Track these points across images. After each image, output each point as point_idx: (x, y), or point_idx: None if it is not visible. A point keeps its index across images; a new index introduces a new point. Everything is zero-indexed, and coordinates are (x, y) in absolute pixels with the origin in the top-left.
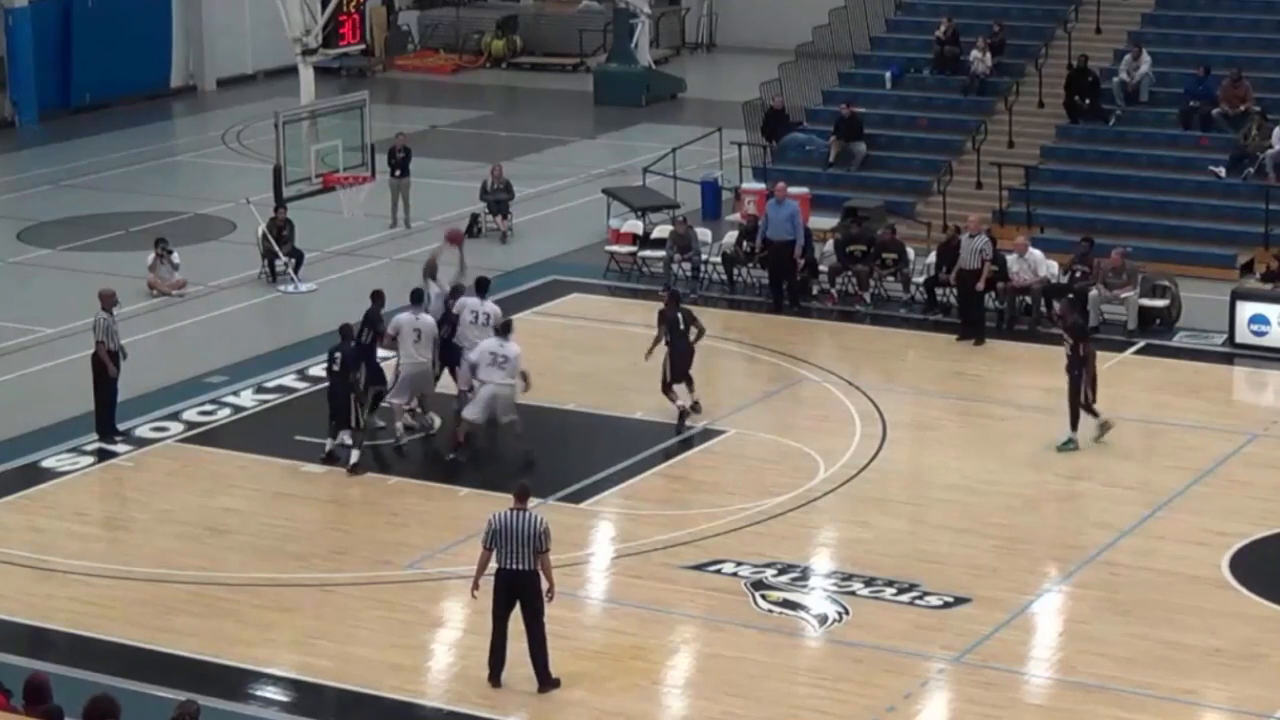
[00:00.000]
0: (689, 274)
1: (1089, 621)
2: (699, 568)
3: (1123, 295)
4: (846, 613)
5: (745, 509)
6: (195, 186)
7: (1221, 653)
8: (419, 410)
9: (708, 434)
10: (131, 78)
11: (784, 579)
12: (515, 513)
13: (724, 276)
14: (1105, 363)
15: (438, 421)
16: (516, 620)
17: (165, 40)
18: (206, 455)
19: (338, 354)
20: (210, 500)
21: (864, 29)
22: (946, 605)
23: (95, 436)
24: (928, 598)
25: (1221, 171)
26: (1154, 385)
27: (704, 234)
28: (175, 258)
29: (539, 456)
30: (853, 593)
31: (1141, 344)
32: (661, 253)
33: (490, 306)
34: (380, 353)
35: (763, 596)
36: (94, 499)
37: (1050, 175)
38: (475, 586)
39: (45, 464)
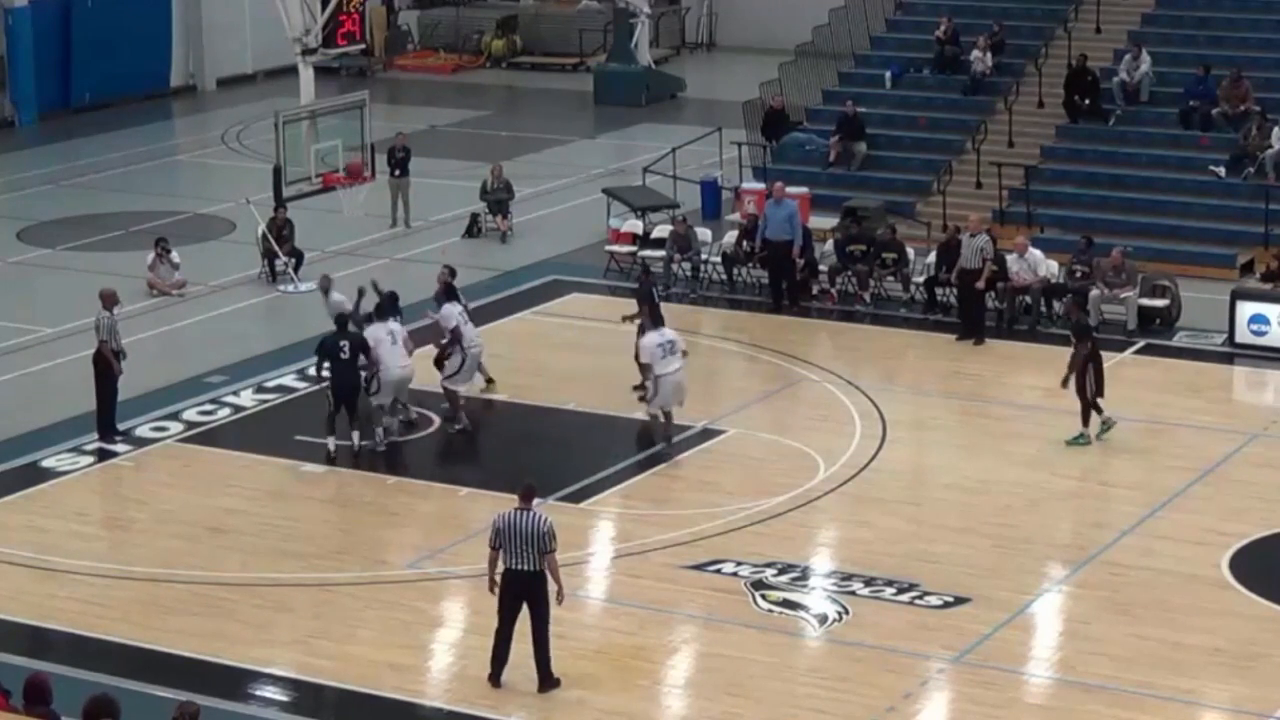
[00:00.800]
0: (689, 274)
1: (1089, 621)
2: (699, 567)
3: (1122, 295)
4: (846, 612)
5: (745, 509)
6: (195, 186)
7: (1222, 652)
8: (400, 407)
9: (708, 434)
10: (131, 77)
11: (784, 579)
12: (520, 512)
13: (724, 276)
14: (1105, 363)
15: (413, 413)
16: (522, 620)
17: (165, 40)
18: (206, 455)
19: (344, 343)
20: (210, 500)
21: (864, 28)
22: (946, 605)
23: (95, 436)
24: (928, 597)
25: (1221, 171)
26: (1154, 385)
27: (704, 234)
28: (175, 257)
29: (537, 456)
30: (853, 592)
31: (1141, 344)
32: (661, 252)
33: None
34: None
35: (763, 596)
36: (94, 499)
37: (1050, 175)
38: (491, 585)
39: (45, 464)
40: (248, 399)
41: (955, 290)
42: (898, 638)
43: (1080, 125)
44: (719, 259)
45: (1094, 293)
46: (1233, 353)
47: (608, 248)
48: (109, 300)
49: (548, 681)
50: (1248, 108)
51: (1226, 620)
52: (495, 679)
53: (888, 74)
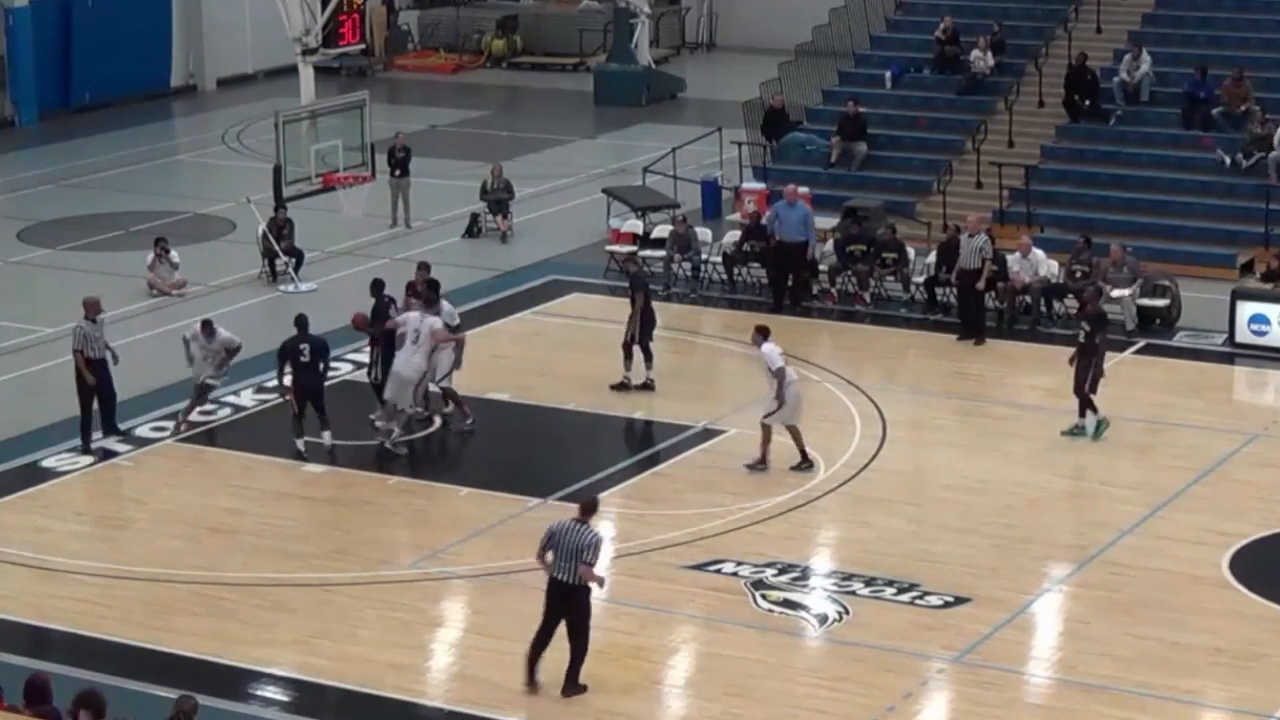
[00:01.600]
0: (689, 274)
1: (1089, 621)
2: (699, 567)
3: (1121, 293)
4: (847, 612)
5: (745, 509)
6: (195, 186)
7: (1222, 652)
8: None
9: (708, 434)
10: (131, 77)
11: (784, 579)
12: (576, 524)
13: (724, 276)
14: (1105, 362)
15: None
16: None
17: (165, 40)
18: (207, 455)
19: (304, 345)
20: (210, 500)
21: (864, 28)
22: (946, 605)
23: (94, 437)
24: (928, 597)
25: (1227, 159)
26: (1154, 385)
27: (704, 234)
28: (175, 257)
29: (537, 456)
30: (853, 592)
31: (1142, 344)
32: (662, 252)
33: (428, 320)
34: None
35: (763, 596)
36: (94, 499)
37: (1050, 175)
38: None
39: (45, 464)
40: (247, 399)
41: (955, 290)
42: (898, 638)
43: (1080, 125)
44: (719, 259)
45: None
46: (1233, 352)
47: (608, 248)
48: (91, 309)
49: (573, 688)
50: (1248, 107)
51: (1227, 620)
52: (531, 682)
53: (888, 74)
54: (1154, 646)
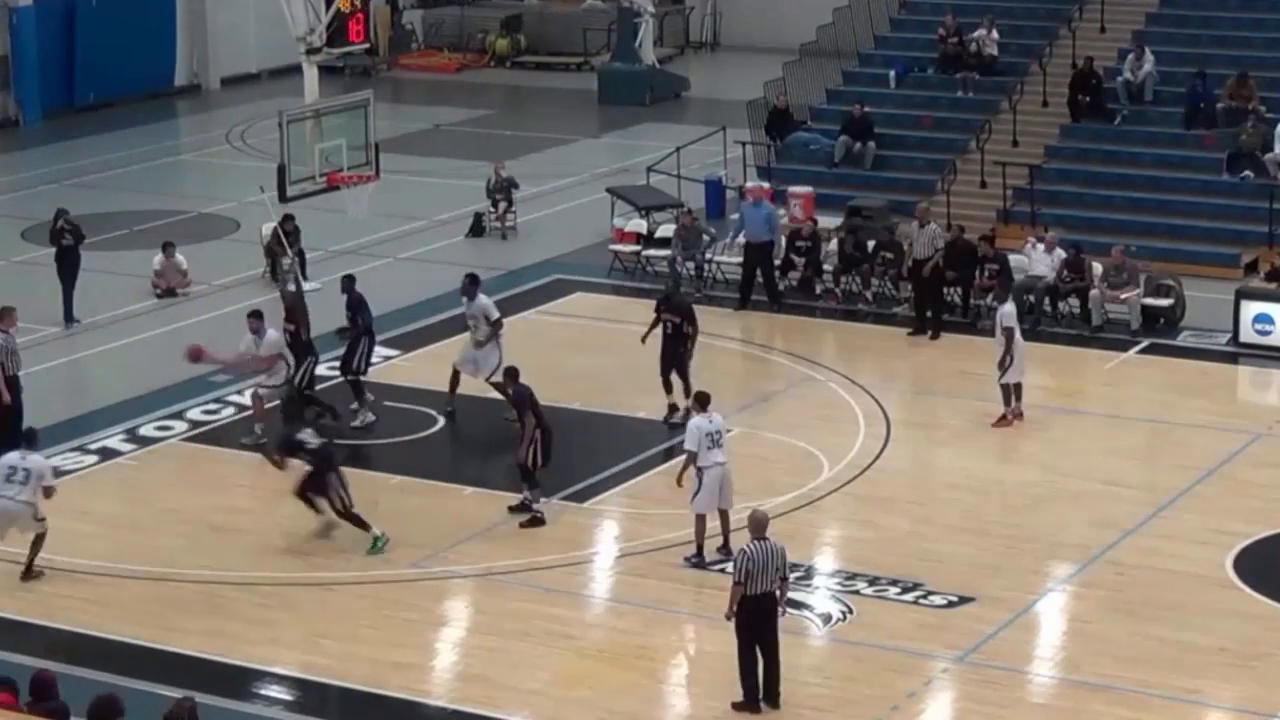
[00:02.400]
0: (692, 273)
1: (1093, 621)
2: (703, 567)
3: (1125, 295)
4: (850, 612)
5: (749, 508)
6: (199, 186)
7: (1226, 652)
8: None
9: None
10: (135, 77)
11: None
12: (760, 543)
13: (726, 277)
14: (1108, 362)
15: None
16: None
17: (169, 39)
18: (210, 454)
19: None
20: (214, 499)
21: (868, 27)
22: (950, 604)
23: (98, 435)
24: (932, 597)
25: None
26: (1158, 385)
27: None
28: (180, 257)
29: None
30: (857, 592)
31: (1145, 343)
32: (666, 251)
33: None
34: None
35: None
36: (97, 498)
37: (1054, 174)
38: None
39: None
40: (250, 398)
41: (912, 283)
42: (902, 637)
43: (1084, 125)
44: (724, 258)
45: (1094, 293)
46: (1237, 352)
47: (611, 247)
48: (7, 320)
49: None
50: (1254, 106)
51: (1231, 620)
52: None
53: (892, 73)
54: (1158, 646)
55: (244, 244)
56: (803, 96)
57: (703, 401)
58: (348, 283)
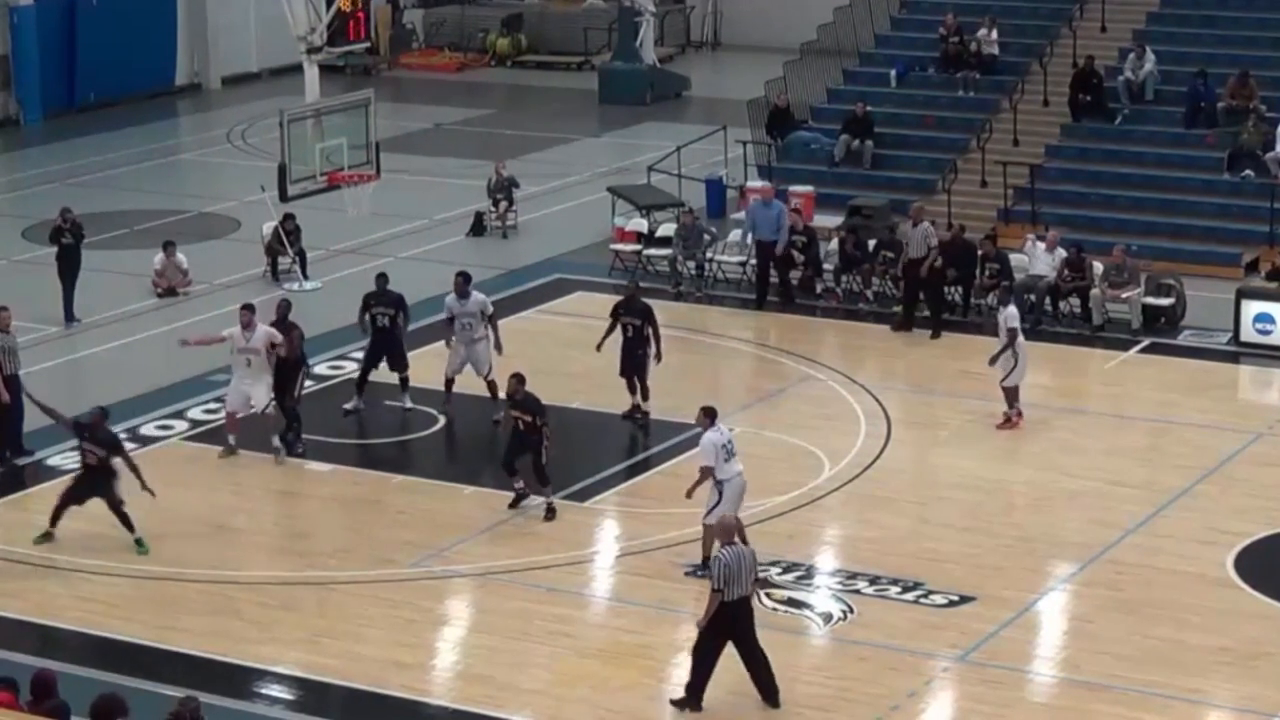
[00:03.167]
0: (693, 272)
1: (1094, 620)
2: (704, 566)
3: (1125, 294)
4: (851, 611)
5: (750, 507)
6: (200, 185)
7: (1227, 651)
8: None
9: None
10: (136, 76)
11: (789, 577)
12: (734, 548)
13: (726, 276)
14: (1109, 361)
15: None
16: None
17: (170, 38)
18: (212, 453)
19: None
20: (215, 498)
21: (869, 26)
22: (951, 604)
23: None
24: (932, 596)
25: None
26: (1159, 384)
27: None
28: (180, 256)
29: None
30: (857, 591)
31: (1146, 342)
32: (667, 251)
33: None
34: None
35: (767, 595)
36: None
37: (1055, 174)
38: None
39: (51, 462)
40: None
41: (903, 281)
42: (903, 636)
43: (1085, 124)
44: (724, 257)
45: (1095, 292)
46: (1238, 351)
47: (612, 246)
48: (2, 320)
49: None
50: (1255, 105)
51: (1231, 619)
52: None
53: (893, 72)
54: (1158, 645)
55: (245, 243)
56: (803, 96)
57: (711, 415)
58: (383, 282)
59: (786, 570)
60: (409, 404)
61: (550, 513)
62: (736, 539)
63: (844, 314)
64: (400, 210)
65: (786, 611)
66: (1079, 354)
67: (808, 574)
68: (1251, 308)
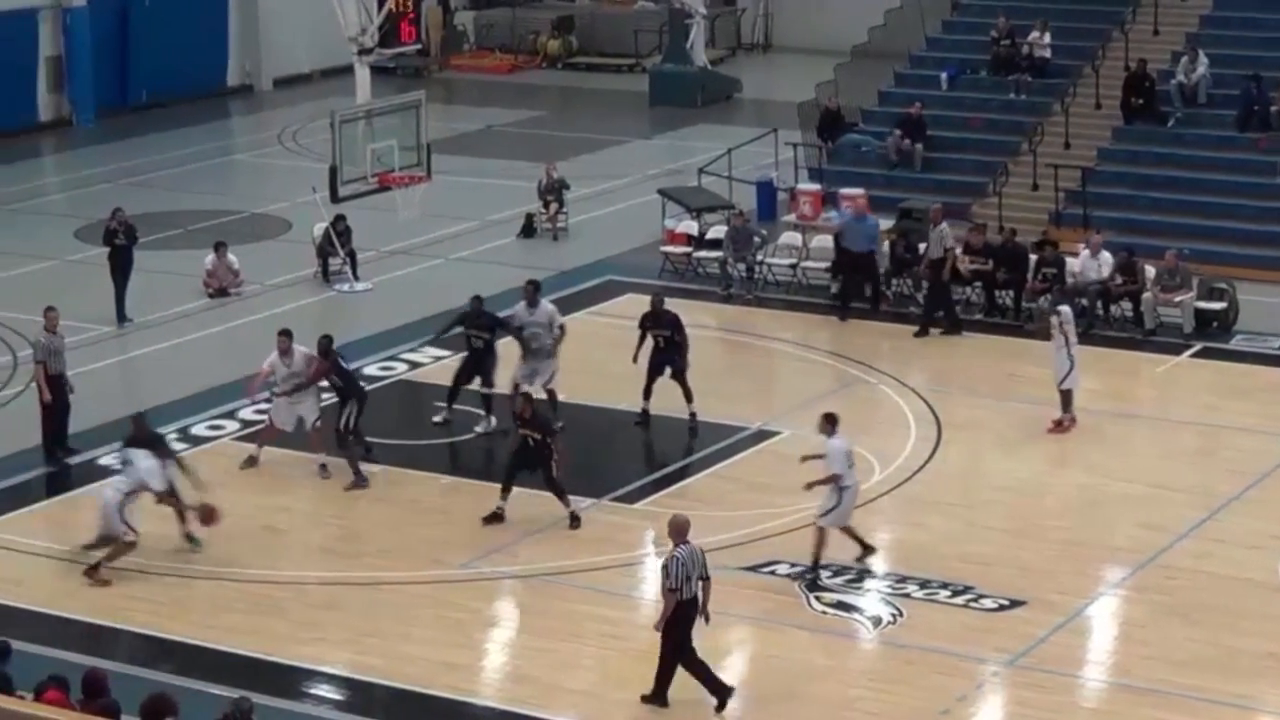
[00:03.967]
0: (744, 274)
1: (1144, 625)
2: (753, 569)
3: (1177, 298)
4: (900, 615)
5: (800, 510)
6: (251, 186)
7: (1277, 657)
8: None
9: (763, 435)
10: (188, 77)
11: (838, 581)
12: (685, 547)
13: (776, 278)
14: (1161, 365)
15: None
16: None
17: (222, 40)
18: (262, 453)
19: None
20: (265, 499)
21: (920, 29)
22: (1001, 608)
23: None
24: (982, 600)
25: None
26: (1210, 388)
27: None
28: (232, 257)
29: (591, 457)
30: (907, 595)
31: (1198, 347)
32: (717, 253)
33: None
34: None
35: (817, 598)
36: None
37: (1107, 177)
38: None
39: (102, 461)
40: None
41: (925, 283)
42: (952, 640)
43: (1137, 127)
44: (774, 259)
45: (1147, 296)
46: None
47: (663, 248)
48: (52, 321)
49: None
50: None
51: None
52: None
53: (944, 75)
54: (1208, 650)
55: (296, 244)
56: (854, 98)
57: (833, 421)
58: (478, 303)
59: (836, 573)
60: (491, 426)
61: (575, 521)
62: (689, 538)
63: (894, 317)
64: (451, 211)
65: (836, 615)
66: (1130, 358)
67: (858, 577)
68: None
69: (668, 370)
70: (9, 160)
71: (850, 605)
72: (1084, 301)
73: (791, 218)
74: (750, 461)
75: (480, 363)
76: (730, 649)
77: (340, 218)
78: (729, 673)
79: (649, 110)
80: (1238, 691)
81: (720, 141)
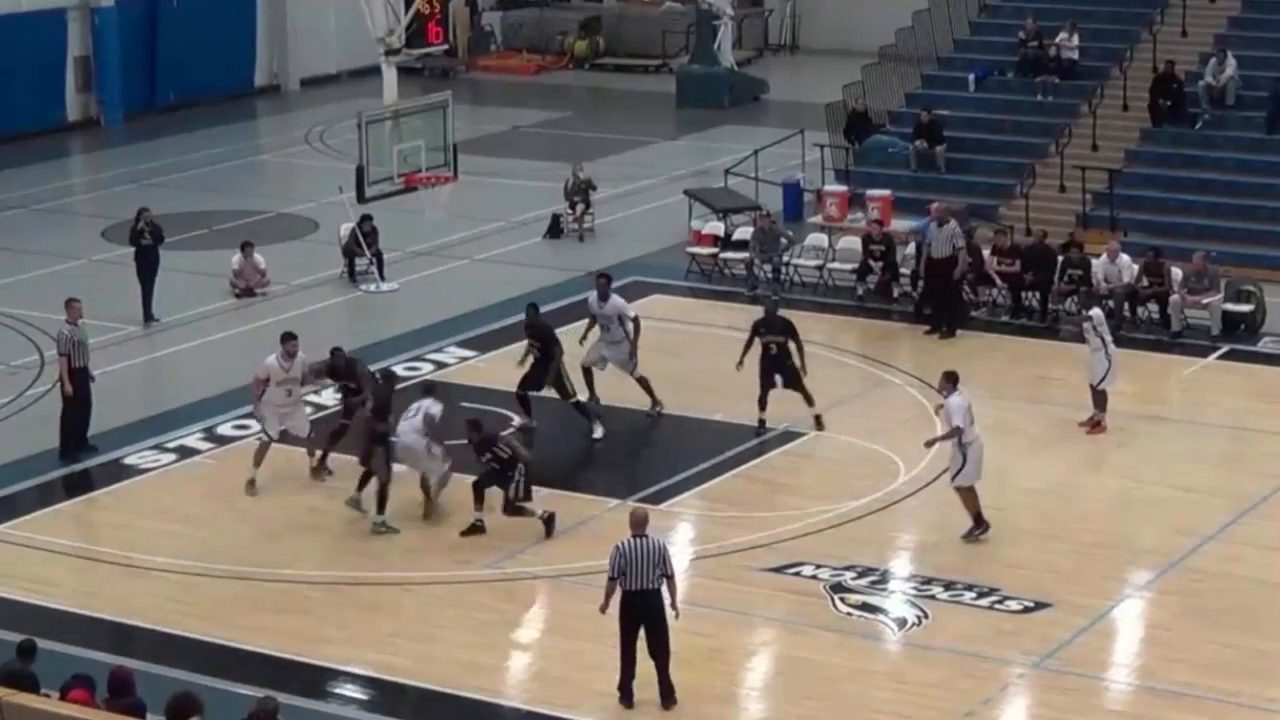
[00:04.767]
0: (770, 275)
1: (1170, 627)
2: (778, 570)
3: (1205, 300)
4: (926, 616)
5: (825, 511)
6: (278, 186)
7: None
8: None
9: (788, 436)
10: (216, 77)
11: (863, 582)
12: (637, 539)
13: (803, 279)
14: (1188, 368)
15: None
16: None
17: (249, 40)
18: (288, 453)
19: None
20: (291, 498)
21: (947, 31)
22: (1027, 610)
23: (176, 434)
24: (1008, 602)
25: None
26: (1238, 391)
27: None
28: (259, 257)
29: (618, 457)
30: (932, 596)
31: (1226, 349)
32: (744, 254)
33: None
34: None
35: (842, 599)
36: (176, 496)
37: (1134, 179)
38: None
39: (128, 460)
40: (329, 398)
41: (925, 280)
42: (977, 642)
43: (1165, 129)
44: (800, 261)
45: (1174, 298)
46: None
47: (689, 249)
48: (74, 313)
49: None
50: None
51: None
52: (628, 700)
53: (971, 77)
54: (1236, 653)
55: (322, 244)
56: (881, 100)
57: (954, 380)
58: (533, 313)
59: (861, 575)
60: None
61: (548, 525)
62: (648, 531)
63: (921, 319)
64: (477, 212)
65: (861, 616)
66: (1158, 360)
67: (882, 579)
68: None
69: (779, 380)
70: (37, 160)
71: (875, 607)
72: (1110, 304)
73: (818, 219)
74: (775, 463)
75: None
76: (755, 650)
77: (367, 218)
78: (754, 674)
79: (676, 111)
80: (1265, 695)
81: (747, 142)
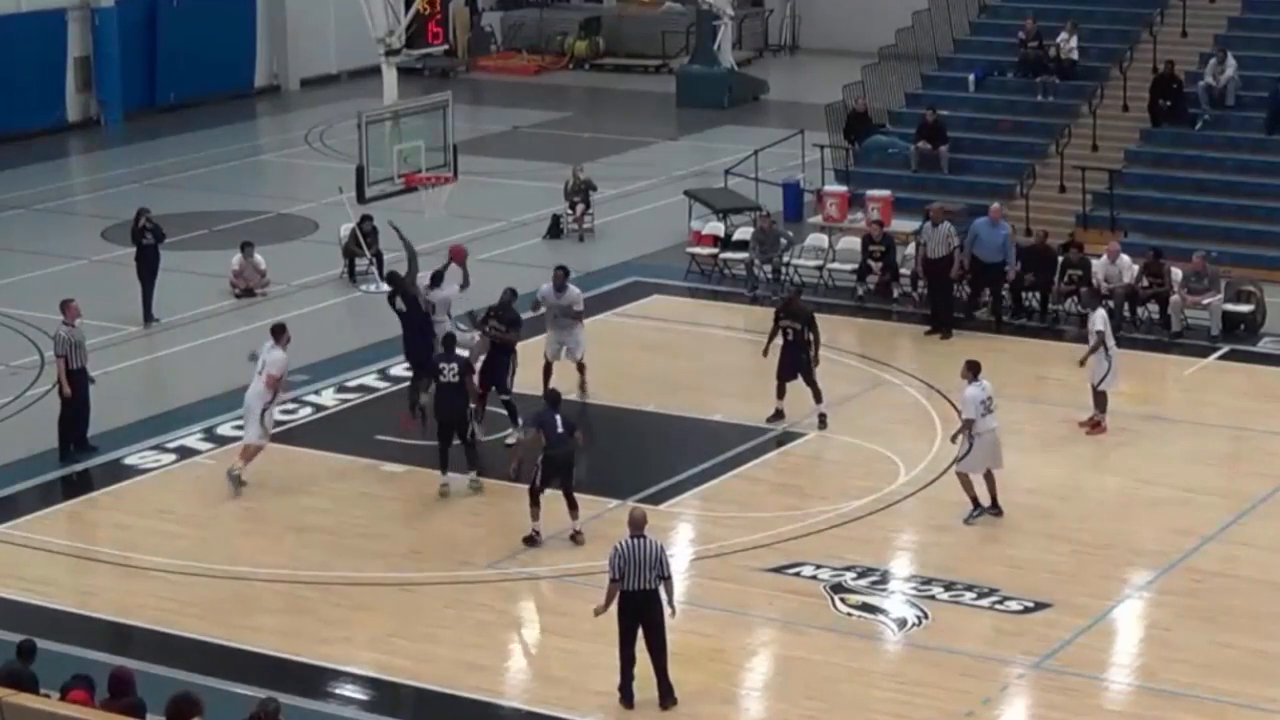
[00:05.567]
0: (770, 276)
1: (1171, 628)
2: (778, 570)
3: (1205, 300)
4: (926, 617)
5: (825, 512)
6: (278, 186)
7: None
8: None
9: (788, 436)
10: (216, 77)
11: (863, 582)
12: (636, 540)
13: (803, 280)
14: (1188, 368)
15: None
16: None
17: (249, 40)
18: (288, 454)
19: (448, 365)
20: (291, 499)
21: (947, 31)
22: (1027, 610)
23: (175, 434)
24: (1008, 602)
25: None
26: (1238, 391)
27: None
28: (258, 257)
29: (618, 457)
30: (932, 597)
31: (1226, 349)
32: (744, 255)
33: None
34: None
35: (842, 600)
36: (176, 496)
37: (1134, 179)
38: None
39: (128, 461)
40: (329, 398)
41: (925, 281)
42: (977, 642)
43: (1165, 129)
44: (801, 261)
45: (1174, 298)
46: None
47: (689, 249)
48: (71, 313)
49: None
50: None
51: None
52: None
53: (971, 77)
54: (1236, 654)
55: (322, 244)
56: (881, 100)
57: (975, 369)
58: (509, 295)
59: (861, 575)
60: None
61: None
62: (646, 532)
63: (921, 319)
64: (477, 212)
65: (860, 617)
66: (1157, 360)
67: (882, 579)
68: None
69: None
70: (37, 160)
71: (875, 607)
72: (1110, 304)
73: (818, 219)
74: (775, 463)
75: (498, 366)
76: (755, 650)
77: (367, 218)
78: (754, 674)
79: (676, 111)
80: (1265, 695)
81: (747, 143)
